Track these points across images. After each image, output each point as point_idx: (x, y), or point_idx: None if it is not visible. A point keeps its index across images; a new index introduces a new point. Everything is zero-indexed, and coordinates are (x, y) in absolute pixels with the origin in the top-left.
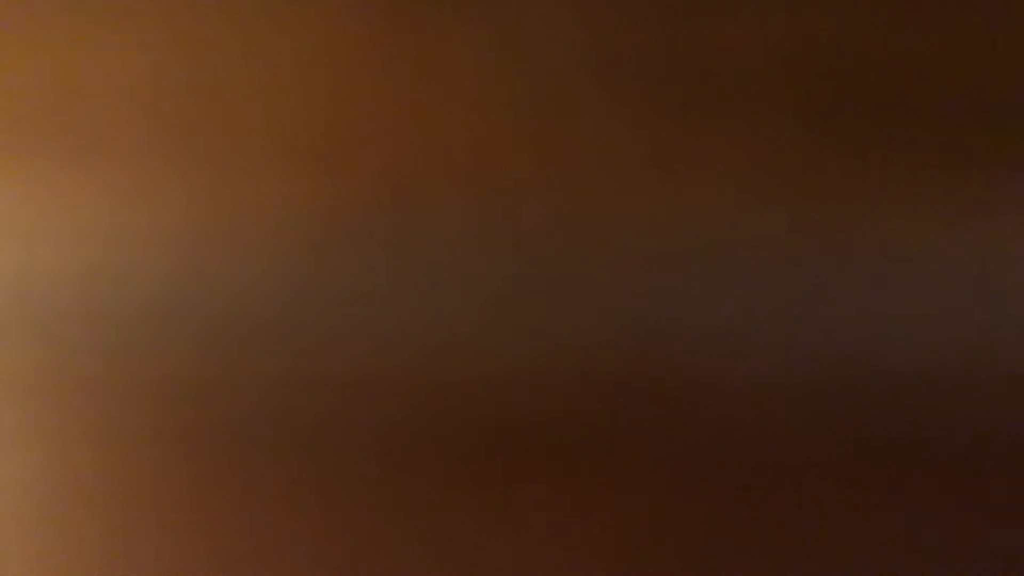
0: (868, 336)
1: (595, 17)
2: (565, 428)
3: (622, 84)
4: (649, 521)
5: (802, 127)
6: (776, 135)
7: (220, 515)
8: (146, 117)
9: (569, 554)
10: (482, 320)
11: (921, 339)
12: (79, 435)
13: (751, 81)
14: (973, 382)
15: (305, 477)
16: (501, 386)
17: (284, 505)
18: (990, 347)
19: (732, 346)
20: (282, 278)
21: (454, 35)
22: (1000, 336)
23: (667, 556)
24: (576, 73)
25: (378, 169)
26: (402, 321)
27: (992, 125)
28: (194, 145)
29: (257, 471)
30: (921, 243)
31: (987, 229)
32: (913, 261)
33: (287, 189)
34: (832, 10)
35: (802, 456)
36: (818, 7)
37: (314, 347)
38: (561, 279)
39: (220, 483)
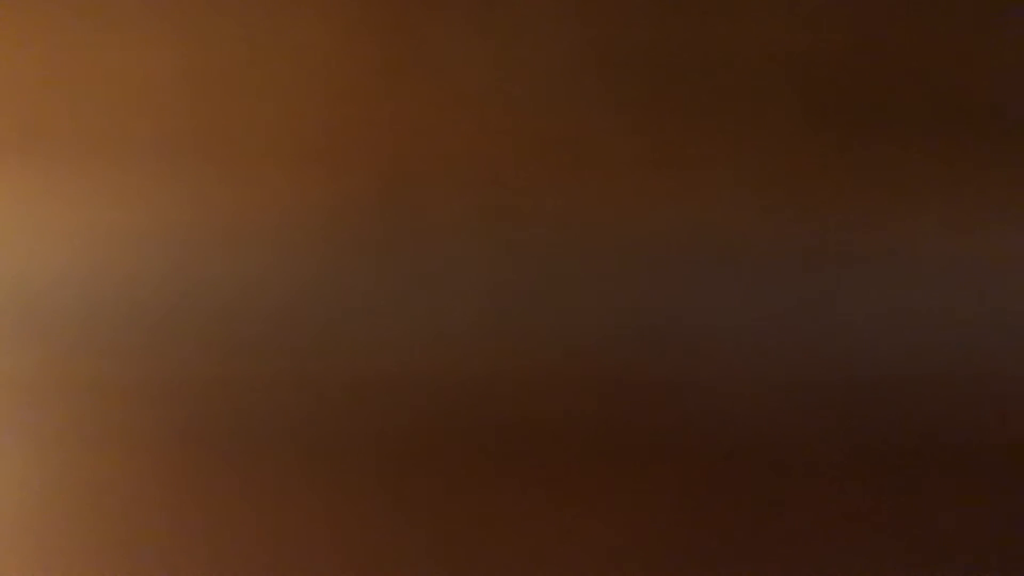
0: (869, 336)
1: (595, 17)
2: (565, 428)
3: (622, 84)
4: (649, 520)
5: (803, 127)
6: (777, 135)
7: (220, 515)
8: (146, 117)
9: (569, 554)
10: (482, 320)
11: (921, 339)
12: (79, 435)
13: (751, 81)
14: (973, 382)
15: (305, 477)
16: (501, 386)
17: (284, 505)
18: (990, 347)
19: (732, 346)
20: (282, 278)
21: (454, 35)
22: (1000, 336)
23: (667, 556)
24: (576, 73)
25: (378, 169)
26: (402, 321)
27: (992, 125)
28: (194, 145)
29: (257, 471)
30: (921, 243)
31: (987, 229)
32: (913, 261)
33: (287, 189)
34: (832, 10)
35: (802, 456)
36: (818, 7)
37: (314, 347)
38: (561, 279)
39: (220, 483)
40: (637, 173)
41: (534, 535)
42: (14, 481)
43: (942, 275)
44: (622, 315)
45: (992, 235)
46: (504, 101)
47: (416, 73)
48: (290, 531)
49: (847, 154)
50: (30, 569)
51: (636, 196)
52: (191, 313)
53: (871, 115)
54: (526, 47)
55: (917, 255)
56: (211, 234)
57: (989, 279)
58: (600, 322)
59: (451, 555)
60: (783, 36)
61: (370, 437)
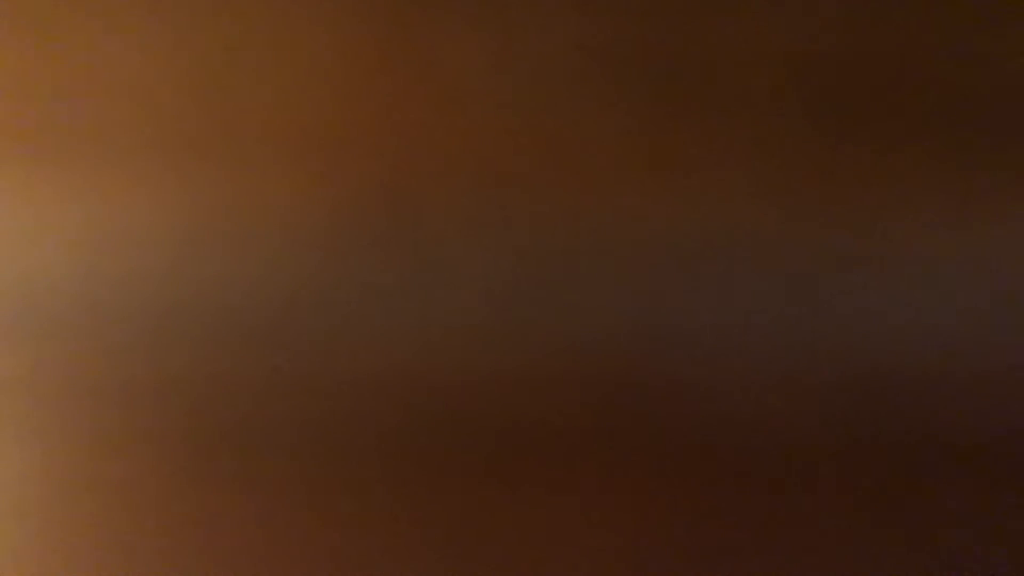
0: (868, 336)
1: (595, 17)
2: (565, 428)
3: (622, 84)
4: (649, 521)
5: (802, 127)
6: (776, 135)
7: (220, 515)
8: (146, 117)
9: (569, 554)
10: (482, 320)
11: (921, 339)
12: (79, 435)
13: (751, 81)
14: (973, 382)
15: (305, 477)
16: (501, 386)
17: (284, 505)
18: (990, 347)
19: (732, 346)
20: (282, 278)
21: (454, 35)
22: (1000, 336)
23: (667, 556)
24: (576, 73)
25: (378, 169)
26: (402, 321)
27: (992, 125)
28: (194, 145)
29: (257, 471)
30: (921, 243)
31: (987, 229)
32: (914, 261)
33: (287, 189)
34: (832, 10)
35: (802, 455)
36: (818, 7)
37: (314, 347)
38: (561, 279)
39: (220, 483)
40: (637, 173)
41: (534, 535)
42: (14, 481)
43: (942, 275)
44: (622, 315)
45: (992, 235)
46: (504, 101)
47: (416, 73)
48: (290, 531)
49: (847, 154)
50: (30, 569)
51: (637, 196)
52: (191, 313)
53: (871, 115)
54: (526, 47)
55: (917, 255)
56: (211, 234)
57: (989, 279)
58: (600, 322)
59: (451, 555)
60: (783, 36)
61: (370, 437)
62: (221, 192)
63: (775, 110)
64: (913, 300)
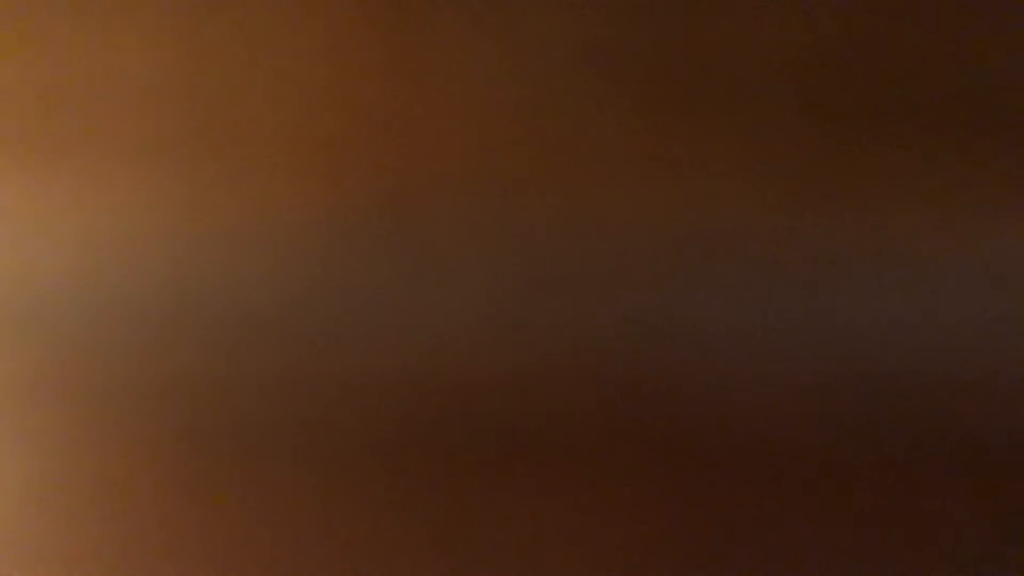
0: (868, 336)
1: (595, 17)
2: (565, 428)
3: (622, 84)
4: (649, 521)
5: (802, 127)
6: (776, 135)
7: (220, 515)
8: (146, 117)
9: (569, 554)
10: (482, 320)
11: (921, 339)
12: (79, 435)
13: (751, 81)
14: (973, 382)
15: (305, 477)
16: (501, 386)
17: (284, 505)
18: (990, 347)
19: (732, 346)
20: (282, 278)
21: (454, 35)
22: (1000, 336)
23: (667, 556)
24: (576, 73)
25: (378, 170)
26: (402, 321)
27: (992, 125)
28: (194, 145)
29: (257, 471)
30: (921, 243)
31: (987, 229)
32: (913, 261)
33: (287, 189)
34: (832, 10)
35: (803, 456)
36: (818, 7)
37: (314, 347)
38: (561, 279)
39: (220, 483)
40: (637, 173)
41: (534, 535)
42: (14, 481)
43: (942, 275)
44: (622, 315)
45: (992, 235)
46: (504, 101)
47: (417, 73)
48: (290, 531)
49: (847, 154)
50: (31, 569)
51: (636, 196)
52: (191, 313)
53: (871, 115)
54: (527, 47)
55: (917, 255)
56: (211, 235)
57: (990, 278)
58: (600, 322)
59: (451, 555)
60: (783, 36)
61: (370, 437)
62: (221, 193)
63: (775, 110)
64: (914, 300)
